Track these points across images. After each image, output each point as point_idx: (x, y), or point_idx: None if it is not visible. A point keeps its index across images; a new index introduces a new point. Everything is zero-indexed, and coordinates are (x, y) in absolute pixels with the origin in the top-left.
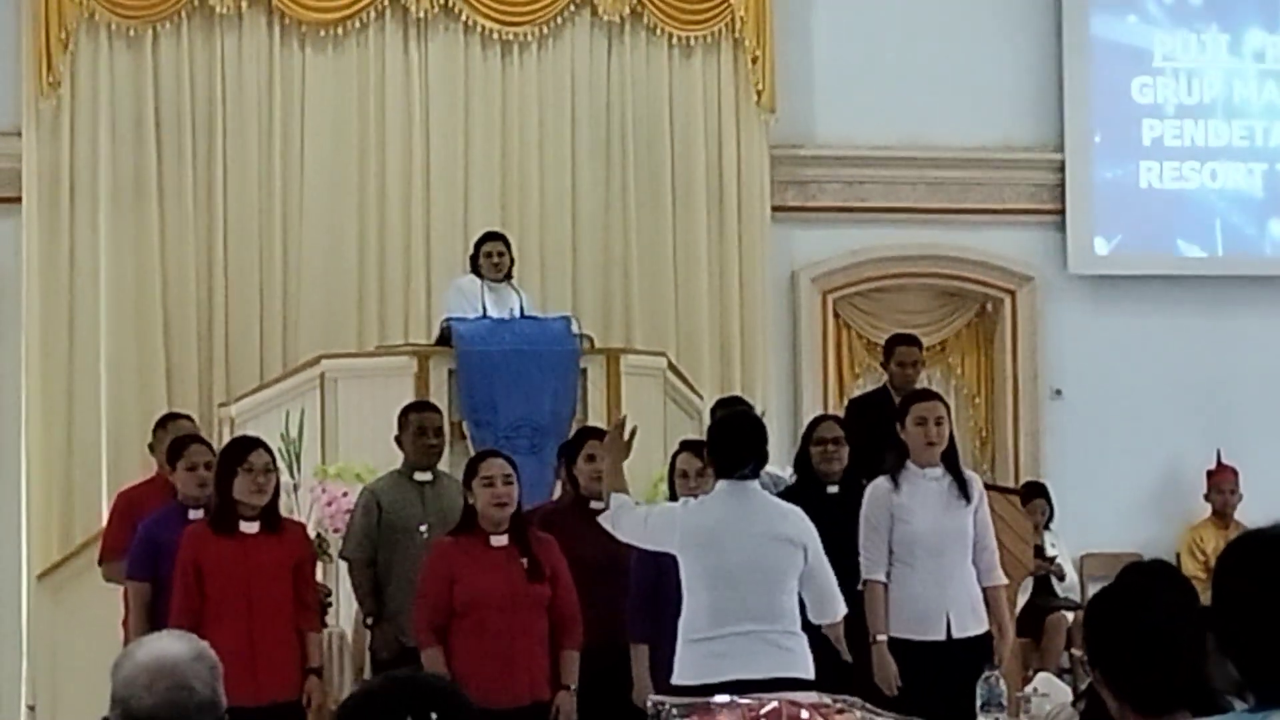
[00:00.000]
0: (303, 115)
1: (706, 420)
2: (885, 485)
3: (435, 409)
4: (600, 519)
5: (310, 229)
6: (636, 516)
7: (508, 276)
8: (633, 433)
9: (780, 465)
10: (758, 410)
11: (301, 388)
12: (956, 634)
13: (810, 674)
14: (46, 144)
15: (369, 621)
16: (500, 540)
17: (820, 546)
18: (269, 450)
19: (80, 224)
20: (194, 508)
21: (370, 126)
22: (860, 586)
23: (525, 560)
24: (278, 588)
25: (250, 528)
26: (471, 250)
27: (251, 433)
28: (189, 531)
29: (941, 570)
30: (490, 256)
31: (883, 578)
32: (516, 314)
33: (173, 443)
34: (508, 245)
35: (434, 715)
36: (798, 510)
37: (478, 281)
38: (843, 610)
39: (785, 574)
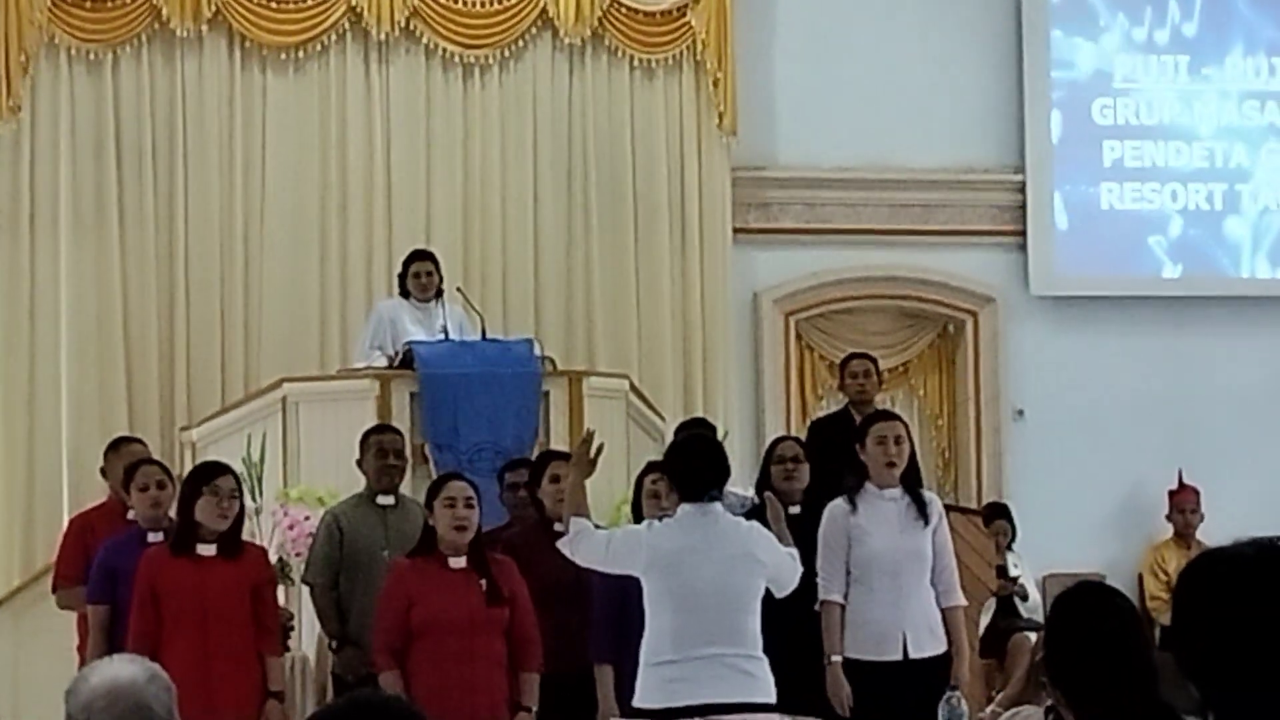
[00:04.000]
0: (263, 138)
1: (669, 442)
2: (843, 507)
3: (396, 431)
4: (559, 544)
5: (272, 252)
6: (597, 541)
7: (437, 295)
8: (599, 449)
9: (743, 485)
10: (720, 432)
11: (263, 411)
12: (913, 654)
13: (772, 698)
14: (6, 168)
15: (333, 645)
16: (459, 562)
17: (778, 546)
18: (236, 478)
19: (41, 248)
20: (153, 531)
21: (331, 149)
22: (817, 607)
23: (484, 583)
24: (235, 610)
25: (208, 550)
26: (400, 269)
27: (213, 456)
28: (147, 555)
29: (898, 591)
30: (418, 276)
31: (839, 598)
32: (446, 332)
33: (127, 468)
34: (436, 264)
35: None
36: (756, 525)
37: (402, 304)
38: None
39: (749, 595)
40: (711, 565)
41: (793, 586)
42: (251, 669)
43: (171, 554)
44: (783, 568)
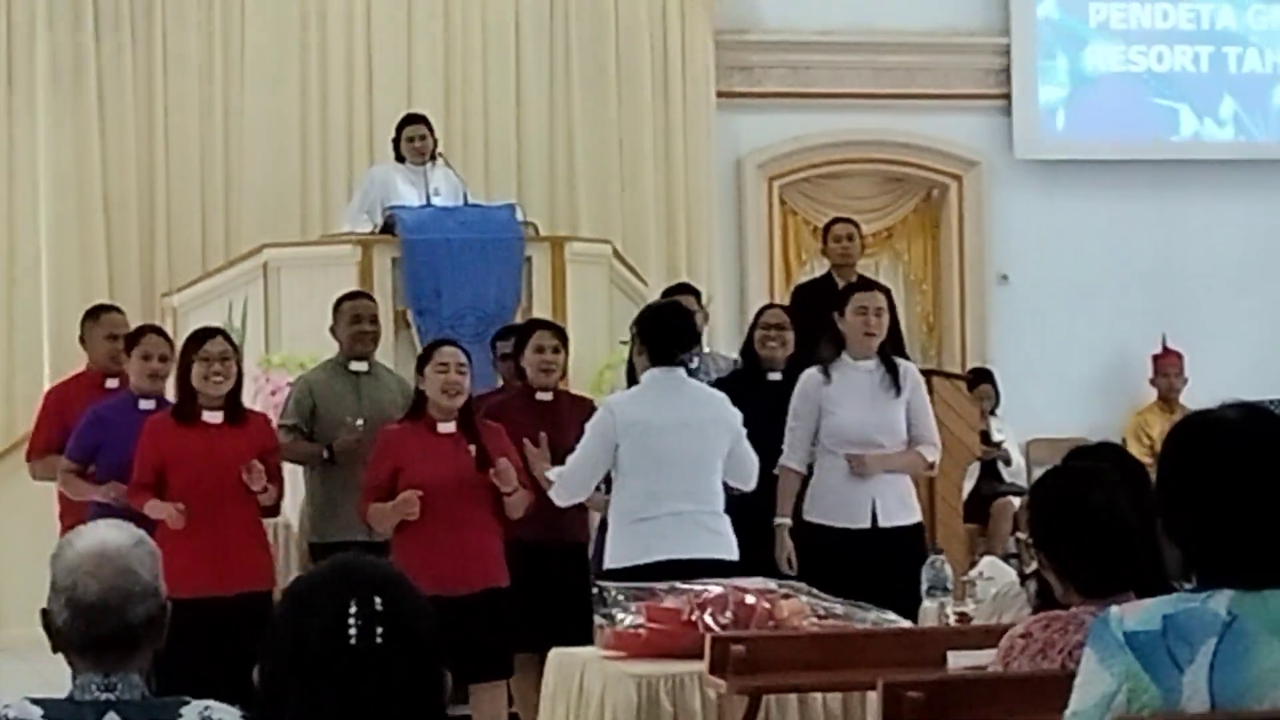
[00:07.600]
0: (243, 1)
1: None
2: (817, 377)
3: (369, 297)
4: (551, 495)
5: (252, 116)
6: (572, 465)
7: (432, 158)
8: None
9: (725, 349)
10: (704, 296)
11: (244, 277)
12: (883, 523)
13: (734, 555)
14: None
15: (325, 455)
16: (448, 427)
17: (742, 428)
18: (229, 339)
19: (18, 113)
20: (145, 398)
21: (311, 12)
22: (776, 470)
23: (473, 448)
24: (243, 478)
25: (214, 418)
26: (394, 134)
27: (195, 322)
28: (151, 421)
29: None
30: (412, 140)
31: (797, 466)
32: (439, 195)
33: (130, 334)
34: (430, 127)
35: (378, 600)
36: (722, 395)
37: (396, 167)
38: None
39: (715, 456)
40: (680, 428)
41: (753, 483)
42: (260, 535)
43: (177, 423)
44: (744, 459)
